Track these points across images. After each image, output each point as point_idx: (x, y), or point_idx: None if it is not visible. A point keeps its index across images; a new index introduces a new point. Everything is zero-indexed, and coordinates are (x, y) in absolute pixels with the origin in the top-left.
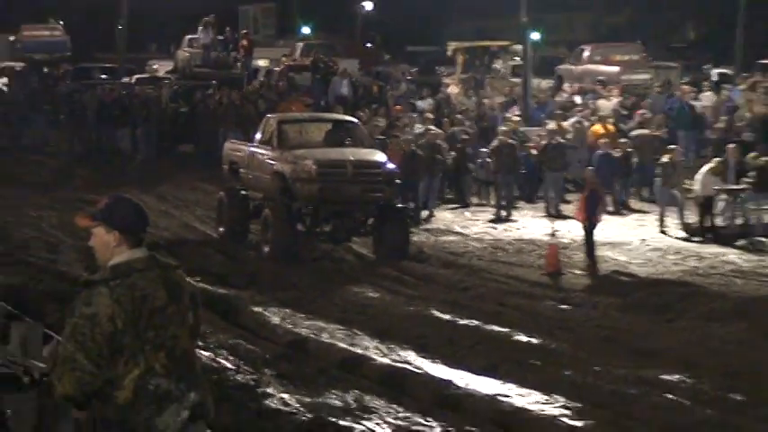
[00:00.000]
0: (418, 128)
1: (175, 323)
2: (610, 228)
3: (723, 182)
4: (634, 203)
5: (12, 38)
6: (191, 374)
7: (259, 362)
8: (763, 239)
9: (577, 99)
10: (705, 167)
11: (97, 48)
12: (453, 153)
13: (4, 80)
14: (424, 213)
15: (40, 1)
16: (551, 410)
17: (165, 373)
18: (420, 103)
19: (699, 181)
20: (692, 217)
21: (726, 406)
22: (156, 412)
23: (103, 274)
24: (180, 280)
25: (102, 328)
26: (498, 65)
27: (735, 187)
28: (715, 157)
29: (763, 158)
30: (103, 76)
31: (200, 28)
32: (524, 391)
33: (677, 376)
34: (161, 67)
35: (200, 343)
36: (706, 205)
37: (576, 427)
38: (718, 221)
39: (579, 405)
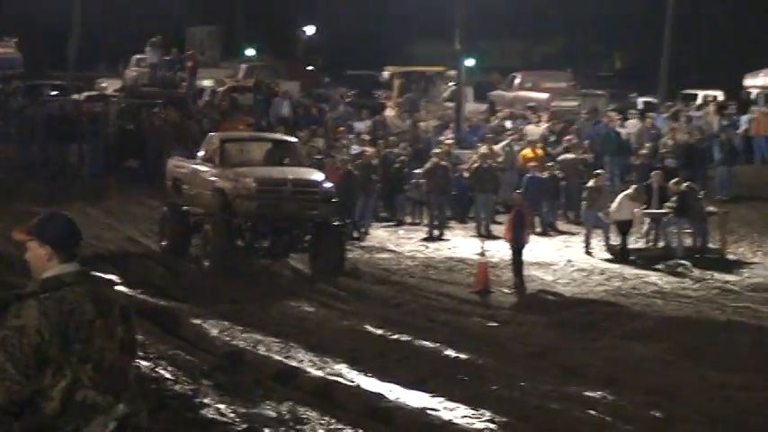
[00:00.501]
0: (355, 149)
1: (103, 336)
2: (537, 248)
3: (639, 206)
4: (561, 225)
5: None
6: (120, 386)
7: (197, 372)
8: (684, 262)
9: (508, 124)
10: (622, 193)
11: (49, 65)
12: (386, 173)
13: None
14: (359, 232)
15: None
16: (478, 424)
17: (92, 385)
18: (357, 125)
19: (616, 205)
20: (617, 239)
21: (646, 423)
22: (83, 423)
23: (34, 287)
24: (110, 294)
25: (29, 339)
26: (440, 89)
27: (657, 211)
28: (639, 181)
29: (685, 184)
30: (54, 93)
31: (148, 48)
32: (452, 404)
33: (599, 393)
34: (109, 86)
35: (139, 353)
36: (624, 229)
37: None
38: (641, 244)
39: (505, 419)
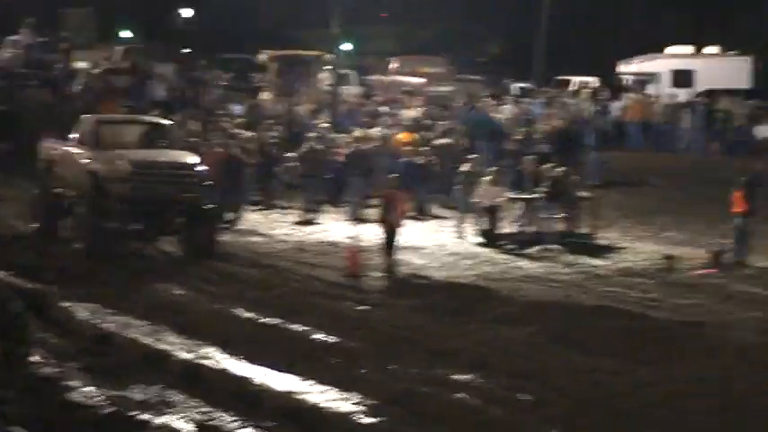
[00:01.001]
0: (231, 132)
1: None
2: (410, 232)
3: (504, 191)
4: (434, 210)
5: None
6: None
7: (65, 355)
8: (554, 246)
9: (384, 108)
10: (485, 178)
11: None
12: (261, 157)
13: None
14: (232, 214)
15: None
16: (347, 407)
17: None
18: (234, 109)
19: (482, 191)
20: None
21: (515, 406)
22: None
23: None
24: None
25: None
26: (318, 74)
27: (529, 196)
28: (513, 167)
29: (557, 169)
30: None
31: (22, 30)
32: (322, 387)
33: (469, 376)
34: None
35: None
36: (492, 213)
37: (371, 423)
38: (513, 229)
39: (375, 402)
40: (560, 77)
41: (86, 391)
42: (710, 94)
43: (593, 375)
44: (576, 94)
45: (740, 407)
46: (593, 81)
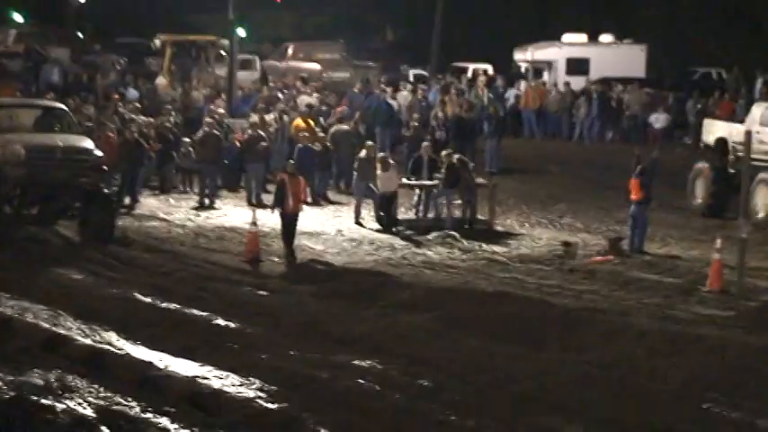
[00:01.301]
0: (126, 117)
1: None
2: (308, 218)
3: (398, 177)
4: (332, 195)
5: None
6: None
7: None
8: (453, 233)
9: (280, 94)
10: (379, 165)
11: None
12: (159, 142)
13: None
14: (130, 199)
15: None
16: (247, 392)
17: None
18: (129, 93)
19: (378, 177)
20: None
21: (414, 391)
22: None
23: None
24: None
25: None
26: (212, 58)
27: (426, 183)
28: (410, 153)
29: (455, 156)
30: None
31: None
32: (222, 373)
33: (368, 362)
34: None
35: None
36: (389, 200)
37: (271, 408)
38: (411, 215)
39: (274, 388)
40: (457, 65)
41: None
42: (605, 82)
43: (493, 361)
44: (472, 81)
45: (640, 391)
46: (489, 68)
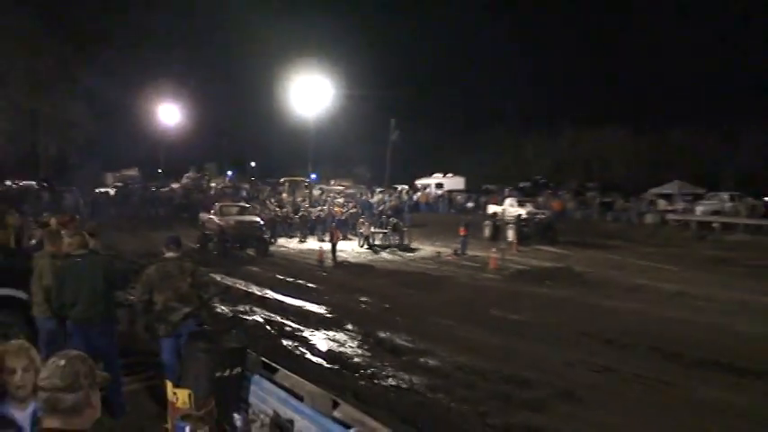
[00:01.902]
0: (270, 206)
1: (179, 279)
2: (341, 245)
3: (374, 227)
4: (347, 236)
5: None
6: (188, 300)
7: None
8: (395, 249)
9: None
10: (362, 223)
11: None
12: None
13: None
14: (273, 240)
15: None
16: (319, 310)
17: (174, 299)
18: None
19: (362, 228)
20: None
21: (379, 307)
22: (170, 313)
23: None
24: (185, 264)
25: (148, 277)
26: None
27: (384, 231)
28: (379, 219)
29: (393, 220)
30: None
31: None
32: (306, 303)
33: (364, 298)
34: None
35: None
36: (370, 236)
37: (325, 315)
38: (380, 242)
39: (328, 308)
40: (418, 181)
41: None
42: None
43: (414, 297)
44: (408, 190)
45: (464, 308)
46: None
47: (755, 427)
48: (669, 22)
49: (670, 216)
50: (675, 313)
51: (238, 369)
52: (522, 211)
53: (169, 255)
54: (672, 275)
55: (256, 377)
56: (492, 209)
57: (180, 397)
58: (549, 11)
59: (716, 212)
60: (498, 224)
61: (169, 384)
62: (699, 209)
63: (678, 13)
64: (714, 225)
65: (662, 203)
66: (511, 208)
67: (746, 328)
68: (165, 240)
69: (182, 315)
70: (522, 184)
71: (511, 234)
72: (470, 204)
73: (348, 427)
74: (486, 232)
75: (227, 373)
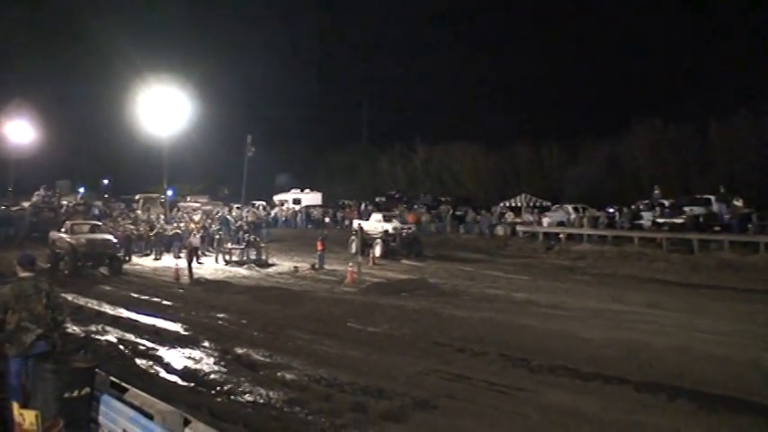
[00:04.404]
0: (123, 225)
1: (34, 301)
2: (197, 265)
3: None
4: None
5: None
6: (41, 322)
7: None
8: (252, 264)
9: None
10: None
11: None
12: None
13: None
14: (127, 258)
15: None
16: (177, 329)
17: (28, 319)
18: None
19: (226, 245)
20: None
21: (239, 324)
22: (23, 334)
23: (12, 279)
24: (40, 284)
25: (3, 297)
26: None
27: (243, 246)
28: (236, 235)
29: (252, 237)
30: None
31: None
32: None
33: (223, 315)
34: None
35: None
36: (231, 252)
37: (184, 336)
38: (237, 258)
39: (188, 326)
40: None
41: None
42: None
43: (272, 312)
44: (266, 206)
45: (323, 319)
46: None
47: (602, 431)
48: (517, 42)
49: (519, 228)
50: (526, 321)
51: (87, 389)
52: (389, 227)
53: (24, 275)
54: (522, 285)
55: (106, 397)
56: (357, 224)
57: (27, 418)
58: (394, 28)
59: (561, 224)
60: (366, 239)
61: (15, 406)
62: (545, 220)
63: (521, 28)
64: (560, 236)
65: (511, 216)
66: (377, 223)
67: (593, 335)
68: (18, 259)
69: (34, 336)
70: (378, 199)
71: (378, 249)
72: (327, 219)
73: None
74: (353, 248)
75: (75, 393)
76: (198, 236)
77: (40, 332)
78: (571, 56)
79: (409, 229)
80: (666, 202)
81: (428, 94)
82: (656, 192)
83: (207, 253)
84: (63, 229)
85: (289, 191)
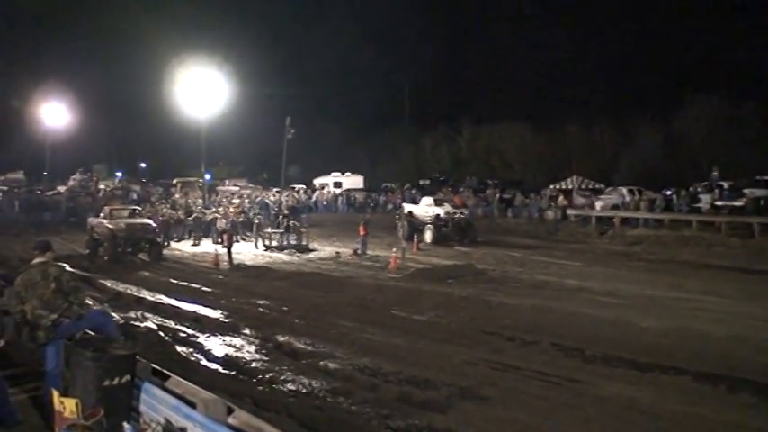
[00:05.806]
0: (163, 209)
1: (43, 287)
2: (236, 248)
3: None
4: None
5: None
6: (54, 308)
7: None
8: (293, 250)
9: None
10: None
11: None
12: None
13: None
14: (166, 243)
15: None
16: (218, 315)
17: (40, 307)
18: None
19: (265, 229)
20: None
21: (280, 310)
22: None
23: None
24: (49, 269)
25: (17, 287)
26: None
27: (282, 231)
28: (276, 219)
29: (293, 222)
30: None
31: None
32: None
33: (264, 301)
34: None
35: None
36: (270, 237)
37: (225, 322)
38: (277, 243)
39: (227, 312)
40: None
41: None
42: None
43: (313, 299)
44: (306, 190)
45: (368, 307)
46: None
47: (659, 423)
48: (564, 18)
49: (570, 211)
50: (579, 309)
51: (127, 377)
52: (441, 211)
53: (35, 261)
54: (574, 271)
55: (147, 385)
56: (407, 208)
57: (67, 406)
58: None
59: (615, 207)
60: (415, 224)
61: (55, 394)
62: (598, 204)
63: (569, 3)
64: (614, 220)
65: (561, 199)
66: (428, 207)
67: (649, 323)
68: (33, 245)
69: (50, 322)
70: (421, 182)
71: (429, 235)
72: (370, 203)
73: None
74: (401, 233)
75: (115, 381)
76: (230, 221)
77: (55, 317)
78: (624, 29)
79: (462, 213)
80: (725, 184)
81: (473, 73)
82: (715, 173)
83: (245, 238)
84: (102, 215)
85: (329, 174)
